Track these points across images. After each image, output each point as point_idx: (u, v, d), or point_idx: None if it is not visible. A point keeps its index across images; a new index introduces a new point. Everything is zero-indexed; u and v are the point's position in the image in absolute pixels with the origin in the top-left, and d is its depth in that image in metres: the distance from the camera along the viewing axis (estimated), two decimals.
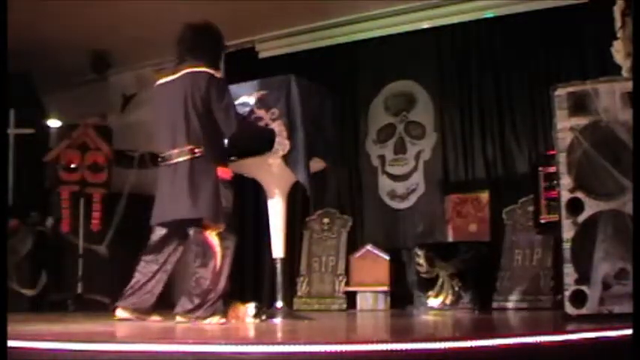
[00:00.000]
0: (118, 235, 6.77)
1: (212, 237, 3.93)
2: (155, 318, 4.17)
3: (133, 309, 4.11)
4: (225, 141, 4.22)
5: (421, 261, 5.95)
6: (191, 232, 4.03)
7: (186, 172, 3.91)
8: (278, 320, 4.34)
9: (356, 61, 6.95)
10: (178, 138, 3.97)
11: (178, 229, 4.12)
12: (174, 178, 3.95)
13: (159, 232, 4.19)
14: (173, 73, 4.10)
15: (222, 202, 3.95)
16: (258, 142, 4.27)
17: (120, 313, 4.11)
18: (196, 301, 3.90)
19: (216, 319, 3.84)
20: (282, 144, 4.22)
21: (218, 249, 3.92)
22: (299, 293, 6.56)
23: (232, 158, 4.32)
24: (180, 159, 3.93)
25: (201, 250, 3.94)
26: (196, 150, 3.92)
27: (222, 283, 3.91)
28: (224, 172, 4.02)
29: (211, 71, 4.04)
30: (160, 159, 4.09)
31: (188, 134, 3.94)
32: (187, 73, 4.01)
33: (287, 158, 4.27)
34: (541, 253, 5.67)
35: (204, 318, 3.85)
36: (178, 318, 3.93)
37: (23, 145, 6.93)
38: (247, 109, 4.36)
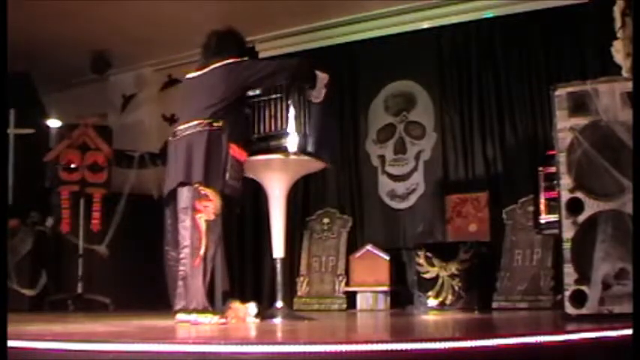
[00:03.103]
0: (118, 235, 6.78)
1: (200, 222, 3.91)
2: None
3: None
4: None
5: (421, 261, 5.96)
6: (182, 214, 4.01)
7: (203, 142, 3.97)
8: (278, 320, 4.33)
9: (356, 61, 6.95)
10: (199, 113, 4.06)
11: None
12: (188, 147, 4.01)
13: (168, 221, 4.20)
14: (201, 69, 4.26)
15: (227, 176, 3.99)
16: (305, 73, 4.42)
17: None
18: (181, 286, 3.88)
19: (216, 319, 3.83)
20: (319, 92, 4.42)
21: (204, 235, 3.89)
22: (299, 293, 6.55)
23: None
24: (198, 129, 4.01)
25: (189, 234, 3.93)
26: (214, 124, 4.01)
27: (206, 272, 3.85)
28: (239, 153, 4.09)
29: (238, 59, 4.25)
30: (173, 134, 4.17)
31: (210, 110, 4.04)
32: (216, 67, 4.18)
33: (303, 146, 4.36)
34: (541, 253, 5.66)
35: (200, 311, 3.80)
36: (178, 316, 3.92)
37: (23, 145, 6.94)
38: None
